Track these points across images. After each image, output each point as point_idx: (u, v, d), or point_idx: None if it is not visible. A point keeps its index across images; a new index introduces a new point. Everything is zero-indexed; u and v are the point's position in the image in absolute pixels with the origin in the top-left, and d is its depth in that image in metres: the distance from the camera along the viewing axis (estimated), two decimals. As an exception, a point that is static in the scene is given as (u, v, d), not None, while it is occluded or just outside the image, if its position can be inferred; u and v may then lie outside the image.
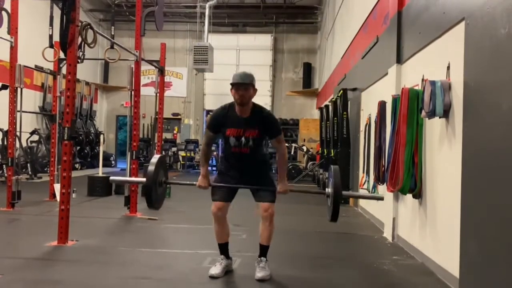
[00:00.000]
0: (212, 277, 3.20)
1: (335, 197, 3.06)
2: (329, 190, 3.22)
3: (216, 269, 3.25)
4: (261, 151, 3.32)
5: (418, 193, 3.89)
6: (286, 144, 13.82)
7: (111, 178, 3.73)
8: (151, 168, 3.17)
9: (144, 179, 3.21)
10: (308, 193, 4.34)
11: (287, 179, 3.32)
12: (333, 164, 7.89)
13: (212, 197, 3.29)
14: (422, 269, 3.65)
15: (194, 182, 3.32)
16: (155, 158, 3.27)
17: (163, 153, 13.21)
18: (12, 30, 5.96)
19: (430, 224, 3.70)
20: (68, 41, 4.07)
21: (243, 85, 3.10)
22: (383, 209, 5.15)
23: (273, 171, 3.55)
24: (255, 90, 3.18)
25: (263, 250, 3.31)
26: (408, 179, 3.83)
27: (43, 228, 4.85)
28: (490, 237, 2.62)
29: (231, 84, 3.13)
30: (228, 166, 3.34)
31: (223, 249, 3.36)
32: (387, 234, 4.81)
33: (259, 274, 3.20)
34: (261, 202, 3.23)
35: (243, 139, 3.17)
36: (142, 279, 3.20)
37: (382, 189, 5.14)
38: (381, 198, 3.54)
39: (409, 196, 4.08)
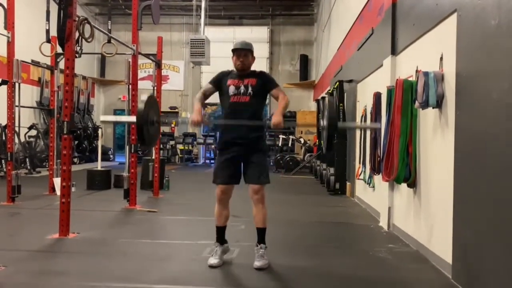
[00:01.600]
0: (212, 267, 3.27)
1: (329, 127, 3.17)
2: (324, 122, 3.30)
3: (214, 259, 3.32)
4: (260, 110, 3.42)
5: (412, 182, 3.96)
6: (284, 136, 13.85)
7: (102, 118, 3.78)
8: (140, 106, 3.21)
9: (134, 119, 3.23)
10: (305, 126, 4.48)
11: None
12: (330, 156, 7.95)
13: (215, 180, 3.35)
14: (416, 256, 3.73)
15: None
16: (144, 96, 3.32)
17: (161, 146, 13.27)
18: (9, 25, 5.97)
19: (424, 213, 3.78)
20: (65, 36, 4.10)
21: (243, 51, 3.35)
22: (379, 198, 5.23)
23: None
24: (253, 58, 3.43)
25: (261, 234, 3.36)
26: (403, 168, 3.91)
27: (44, 221, 4.91)
28: (482, 225, 2.70)
29: (232, 50, 3.38)
30: (226, 129, 3.39)
31: (220, 233, 3.42)
32: (383, 223, 4.90)
33: (257, 263, 3.27)
34: (250, 184, 3.28)
35: (242, 87, 3.32)
36: (143, 269, 3.27)
37: (378, 179, 5.22)
38: (378, 127, 3.63)
39: (404, 185, 4.16)
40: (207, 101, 3.62)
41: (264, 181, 3.30)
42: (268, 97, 3.49)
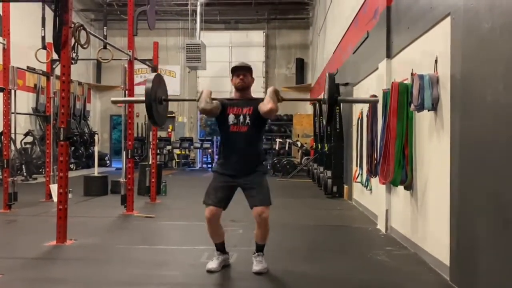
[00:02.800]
0: (210, 272, 3.27)
1: (330, 100, 3.18)
2: (324, 96, 3.31)
3: (213, 264, 3.32)
4: (258, 139, 3.42)
5: (409, 185, 3.98)
6: (281, 140, 13.83)
7: (113, 99, 3.75)
8: (148, 85, 3.21)
9: (143, 98, 3.24)
10: (302, 100, 4.53)
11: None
12: (327, 158, 7.97)
13: (205, 200, 3.29)
14: (414, 258, 3.74)
15: (194, 97, 3.39)
16: (151, 75, 3.31)
17: (158, 151, 13.25)
18: (4, 32, 5.97)
19: (421, 215, 3.79)
20: (61, 43, 4.11)
21: (243, 69, 3.34)
22: (376, 201, 5.24)
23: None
24: (253, 79, 3.41)
25: (259, 247, 3.37)
26: (399, 171, 3.92)
27: (41, 228, 4.89)
28: (479, 226, 2.71)
29: (231, 70, 3.37)
30: (225, 158, 3.35)
31: (219, 247, 3.42)
32: (381, 225, 4.91)
33: (256, 267, 3.27)
34: (255, 207, 3.23)
35: (241, 116, 3.29)
36: (142, 275, 3.27)
37: (374, 181, 5.23)
38: (376, 101, 3.87)
39: (400, 188, 4.18)
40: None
41: (268, 203, 3.26)
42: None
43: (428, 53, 3.59)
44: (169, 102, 3.61)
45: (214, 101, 3.30)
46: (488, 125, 2.58)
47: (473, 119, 2.78)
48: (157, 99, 3.32)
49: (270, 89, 3.28)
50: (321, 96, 3.42)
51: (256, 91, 15.54)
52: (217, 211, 3.27)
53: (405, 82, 4.03)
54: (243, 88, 3.33)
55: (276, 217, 5.39)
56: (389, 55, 4.80)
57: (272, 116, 3.30)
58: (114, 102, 3.74)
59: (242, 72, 3.33)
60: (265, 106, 3.19)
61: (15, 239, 4.62)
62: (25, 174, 9.90)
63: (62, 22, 4.03)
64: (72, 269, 3.45)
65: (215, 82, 14.57)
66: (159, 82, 3.39)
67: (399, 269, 3.50)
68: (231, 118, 3.29)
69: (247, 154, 3.30)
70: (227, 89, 13.02)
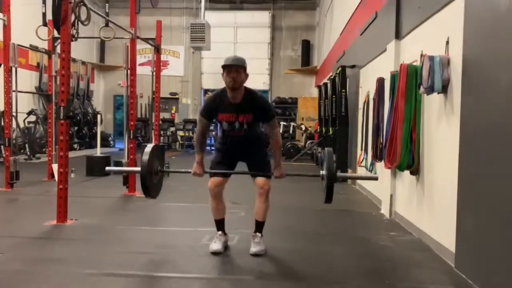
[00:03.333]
0: (214, 253, 3.23)
1: (329, 180, 3.07)
2: (323, 172, 3.22)
3: (216, 245, 3.28)
4: (256, 131, 3.32)
5: (415, 170, 3.89)
6: (285, 123, 13.78)
7: (107, 168, 3.80)
8: (145, 158, 3.16)
9: (139, 169, 3.20)
10: (304, 176, 4.68)
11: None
12: (331, 142, 7.92)
13: (209, 173, 3.30)
14: (419, 244, 3.68)
15: (190, 170, 3.34)
16: (149, 147, 3.23)
17: (162, 133, 13.21)
18: (4, 8, 5.85)
19: (427, 200, 3.72)
20: (61, 19, 4.00)
21: (235, 67, 3.04)
22: (380, 186, 5.17)
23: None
24: (246, 75, 3.11)
25: (259, 226, 3.33)
26: (406, 155, 3.83)
27: (42, 208, 4.87)
28: (486, 213, 2.63)
29: (222, 67, 3.07)
30: (224, 144, 3.34)
31: (220, 225, 3.38)
32: (385, 210, 4.85)
33: (253, 249, 3.23)
34: (257, 178, 3.24)
35: (236, 124, 3.15)
36: (142, 256, 3.23)
37: (380, 166, 5.15)
38: (376, 178, 3.59)
39: (406, 172, 4.09)
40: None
41: (270, 175, 3.26)
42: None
43: (439, 34, 3.45)
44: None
45: (201, 125, 3.28)
46: (501, 109, 2.48)
47: (486, 103, 2.67)
48: (153, 171, 3.24)
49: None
50: (321, 172, 3.29)
51: (261, 73, 15.50)
52: (221, 182, 3.26)
53: (415, 64, 3.91)
54: (234, 88, 3.05)
55: (278, 200, 5.33)
56: (398, 36, 4.66)
57: (283, 177, 3.29)
58: (110, 171, 3.76)
59: (233, 69, 3.02)
60: (276, 144, 3.24)
61: (15, 218, 4.60)
62: (28, 153, 9.89)
63: (61, -3, 3.91)
64: (72, 249, 3.42)
65: (219, 63, 14.32)
66: (156, 153, 3.30)
67: (403, 255, 3.44)
68: (225, 125, 3.19)
69: (246, 144, 3.28)
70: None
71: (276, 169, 3.28)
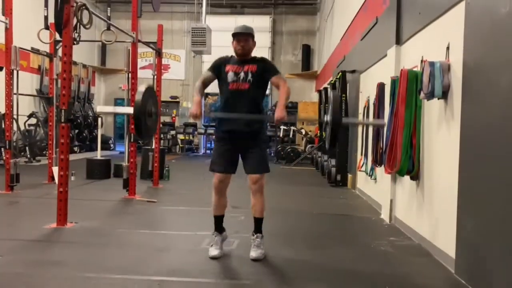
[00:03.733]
0: (214, 258, 3.22)
1: (333, 122, 3.07)
2: (327, 117, 3.21)
3: (215, 251, 3.28)
4: (260, 99, 3.32)
5: (415, 175, 3.90)
6: (285, 127, 13.76)
7: (99, 109, 3.67)
8: (138, 97, 3.11)
9: (131, 110, 3.16)
10: (309, 120, 4.35)
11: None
12: (330, 148, 7.89)
13: (212, 167, 3.27)
14: (418, 250, 3.68)
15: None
16: (142, 87, 3.21)
17: (162, 136, 13.20)
18: (7, 11, 5.87)
19: (427, 206, 3.72)
20: (63, 22, 4.02)
21: (244, 35, 3.23)
22: (380, 190, 5.17)
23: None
24: (254, 43, 3.31)
25: (257, 224, 3.31)
26: (406, 160, 3.84)
27: (42, 211, 4.87)
28: (487, 219, 2.64)
29: (232, 35, 3.26)
30: (225, 121, 3.27)
31: (218, 222, 3.37)
32: (385, 215, 4.84)
33: (253, 253, 3.23)
34: (250, 174, 3.22)
35: (242, 73, 3.21)
36: (141, 260, 3.23)
37: (380, 171, 5.15)
38: (382, 125, 3.56)
39: (406, 178, 4.09)
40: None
41: (263, 170, 3.24)
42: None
43: (440, 40, 3.47)
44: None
45: (203, 83, 3.32)
46: (502, 115, 2.48)
47: (486, 109, 2.68)
48: (146, 112, 3.21)
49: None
50: (325, 117, 3.28)
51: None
52: (226, 178, 3.26)
53: (415, 69, 3.92)
54: (243, 54, 3.26)
55: (278, 204, 5.36)
56: (398, 42, 4.67)
57: (283, 121, 3.21)
58: (102, 113, 3.64)
59: (243, 37, 3.23)
60: (284, 89, 3.22)
61: (15, 220, 4.59)
62: (28, 155, 9.89)
63: (63, 1, 3.93)
64: (71, 252, 3.42)
65: (220, 68, 14.41)
66: (150, 94, 3.28)
67: (403, 260, 3.44)
68: (231, 75, 3.23)
69: (248, 111, 3.21)
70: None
71: (277, 111, 3.12)
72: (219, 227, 3.38)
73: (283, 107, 3.15)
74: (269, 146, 13.51)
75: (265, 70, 3.27)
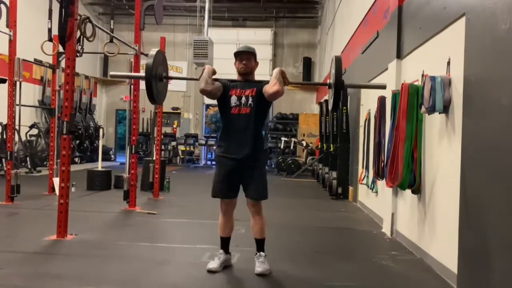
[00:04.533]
0: (210, 272, 3.21)
1: (336, 85, 3.09)
2: (330, 80, 3.21)
3: (214, 264, 3.26)
4: (260, 123, 3.31)
5: (417, 189, 3.89)
6: (286, 139, 13.79)
7: (111, 73, 3.63)
8: (149, 61, 3.12)
9: (143, 74, 3.16)
10: (312, 84, 4.33)
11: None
12: (332, 158, 7.89)
13: (216, 194, 3.28)
14: (420, 264, 3.65)
15: (195, 77, 3.31)
16: (153, 51, 3.21)
17: (163, 147, 13.21)
18: (11, 23, 5.92)
19: (429, 220, 3.70)
20: (67, 35, 4.05)
21: (246, 54, 3.25)
22: (382, 204, 5.16)
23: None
24: (256, 63, 3.32)
25: (259, 244, 3.31)
26: (408, 174, 3.83)
27: (42, 222, 4.85)
28: (489, 233, 2.62)
29: (234, 54, 3.27)
30: (226, 142, 3.26)
31: (224, 243, 3.37)
32: (386, 229, 4.82)
33: (259, 268, 3.21)
34: (248, 198, 3.26)
35: (243, 98, 3.21)
36: (141, 273, 3.21)
37: (381, 184, 5.14)
38: (384, 87, 3.56)
39: (408, 191, 4.08)
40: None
41: (262, 197, 3.26)
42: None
43: (441, 54, 3.49)
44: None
45: (215, 82, 3.21)
46: (502, 130, 2.49)
47: (487, 123, 2.69)
48: (157, 75, 3.22)
49: (276, 70, 3.17)
50: (328, 81, 3.27)
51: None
52: (231, 203, 3.29)
53: (416, 83, 3.94)
54: (246, 73, 3.26)
55: (279, 218, 5.33)
56: (399, 56, 4.71)
57: (276, 98, 3.17)
58: (113, 76, 3.60)
59: (245, 56, 3.24)
60: (271, 88, 3.10)
61: (15, 232, 4.58)
62: (29, 166, 9.89)
63: (67, 14, 3.97)
64: (70, 265, 3.40)
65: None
66: (160, 58, 3.30)
67: (404, 275, 3.42)
68: (233, 99, 3.22)
69: (248, 137, 3.21)
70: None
71: (267, 86, 3.14)
72: (225, 247, 3.38)
73: (275, 80, 3.10)
74: (270, 157, 13.52)
75: (262, 87, 3.20)
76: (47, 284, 2.94)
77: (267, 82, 3.21)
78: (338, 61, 3.13)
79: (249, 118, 3.20)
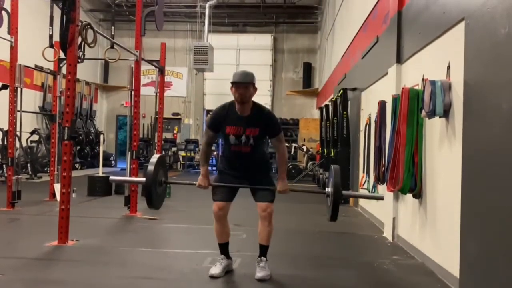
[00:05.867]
0: (212, 277, 3.20)
1: (335, 197, 3.05)
2: (329, 189, 3.21)
3: (216, 269, 3.26)
4: (262, 150, 3.32)
5: (418, 193, 3.89)
6: (287, 144, 13.84)
7: (111, 178, 3.72)
8: (150, 168, 3.17)
9: (143, 179, 3.21)
10: (308, 192, 4.30)
11: (287, 179, 3.31)
12: (333, 164, 7.89)
13: (213, 197, 3.28)
14: (422, 269, 3.65)
15: (194, 182, 3.32)
16: (154, 158, 3.26)
17: (163, 153, 13.22)
18: (12, 30, 5.96)
19: (430, 224, 3.70)
20: (68, 41, 4.07)
21: (243, 84, 3.10)
22: (383, 209, 5.15)
23: (273, 171, 3.55)
24: (255, 89, 3.18)
25: (263, 250, 3.31)
26: (408, 179, 3.83)
27: (43, 228, 4.85)
28: (490, 237, 2.62)
29: (231, 83, 3.13)
30: (228, 165, 3.33)
31: (223, 249, 3.36)
32: (387, 233, 4.81)
33: (259, 274, 3.20)
34: (259, 202, 3.23)
35: (243, 137, 3.16)
36: (143, 279, 3.20)
37: (382, 189, 5.14)
38: (381, 198, 3.55)
39: (409, 196, 4.08)
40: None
41: (272, 199, 3.25)
42: None
43: (440, 59, 3.51)
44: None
45: (208, 136, 3.30)
46: (502, 134, 2.50)
47: (487, 127, 2.70)
48: (157, 181, 3.26)
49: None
50: (327, 190, 3.28)
51: (263, 94, 15.64)
52: (225, 205, 3.26)
53: (416, 88, 3.95)
54: (243, 102, 3.13)
55: (280, 223, 5.30)
56: (399, 60, 4.72)
57: (286, 193, 3.25)
58: (113, 181, 3.72)
59: (242, 85, 3.09)
60: (283, 156, 3.25)
61: (16, 238, 4.57)
62: (30, 172, 9.89)
63: (69, 20, 4.00)
64: (72, 271, 3.39)
65: (222, 85, 14.53)
66: (161, 163, 3.34)
67: (406, 280, 3.41)
68: (232, 139, 3.18)
69: (251, 163, 3.26)
70: (233, 92, 12.99)
71: (279, 183, 3.22)
72: (225, 253, 3.37)
73: (285, 178, 3.23)
74: (271, 163, 13.51)
75: (267, 130, 3.20)
76: (48, 290, 2.94)
77: (269, 122, 3.21)
78: (336, 172, 3.13)
79: (250, 154, 3.22)
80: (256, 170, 3.29)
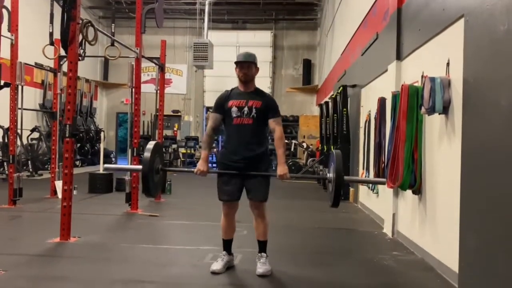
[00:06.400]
0: (214, 273, 3.23)
1: (337, 182, 3.04)
2: (330, 175, 3.22)
3: (217, 265, 3.28)
4: (263, 133, 3.33)
5: (417, 189, 3.91)
6: (286, 141, 13.83)
7: (105, 166, 3.71)
8: (146, 154, 3.16)
9: (140, 167, 3.19)
10: (308, 178, 4.31)
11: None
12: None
13: (219, 197, 3.31)
14: (421, 264, 3.67)
15: (192, 169, 3.34)
16: (150, 144, 3.25)
17: (164, 150, 13.24)
18: (13, 27, 5.96)
19: (429, 220, 3.73)
20: (69, 39, 4.08)
21: (246, 63, 3.28)
22: (383, 205, 5.18)
23: (273, 168, 3.58)
24: (257, 69, 3.36)
25: (262, 246, 3.34)
26: (408, 175, 3.86)
27: (45, 225, 4.88)
28: (489, 233, 2.65)
29: (235, 63, 3.31)
30: (229, 148, 3.30)
31: (227, 245, 3.39)
32: (387, 229, 4.84)
33: (260, 269, 3.23)
34: (251, 200, 3.27)
35: (246, 108, 3.24)
36: (144, 275, 3.23)
37: (381, 186, 5.16)
38: (383, 183, 3.56)
39: (409, 192, 4.11)
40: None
41: (264, 198, 3.27)
42: None
43: (440, 56, 3.52)
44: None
45: (213, 120, 3.33)
46: (502, 130, 2.52)
47: (486, 124, 2.71)
48: (154, 169, 3.25)
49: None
50: (328, 175, 3.28)
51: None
52: (234, 206, 3.31)
53: (415, 84, 3.97)
54: (246, 81, 3.30)
55: (280, 219, 5.35)
56: (399, 57, 4.73)
57: (286, 178, 3.25)
58: (107, 169, 3.66)
59: (245, 65, 3.28)
60: (280, 139, 3.26)
61: (18, 235, 4.60)
62: (31, 170, 9.91)
63: (69, 18, 4.01)
64: (75, 267, 3.42)
65: (222, 82, 14.53)
66: (157, 150, 3.33)
67: (406, 275, 3.44)
68: (234, 111, 3.25)
69: (251, 144, 3.24)
70: (233, 89, 12.99)
71: (279, 167, 3.21)
72: (228, 249, 3.40)
73: (284, 162, 3.25)
74: (271, 159, 13.53)
75: (268, 108, 3.29)
76: (51, 286, 2.97)
77: (271, 102, 3.33)
78: (338, 157, 3.13)
79: (252, 127, 3.24)
80: (257, 157, 3.25)
